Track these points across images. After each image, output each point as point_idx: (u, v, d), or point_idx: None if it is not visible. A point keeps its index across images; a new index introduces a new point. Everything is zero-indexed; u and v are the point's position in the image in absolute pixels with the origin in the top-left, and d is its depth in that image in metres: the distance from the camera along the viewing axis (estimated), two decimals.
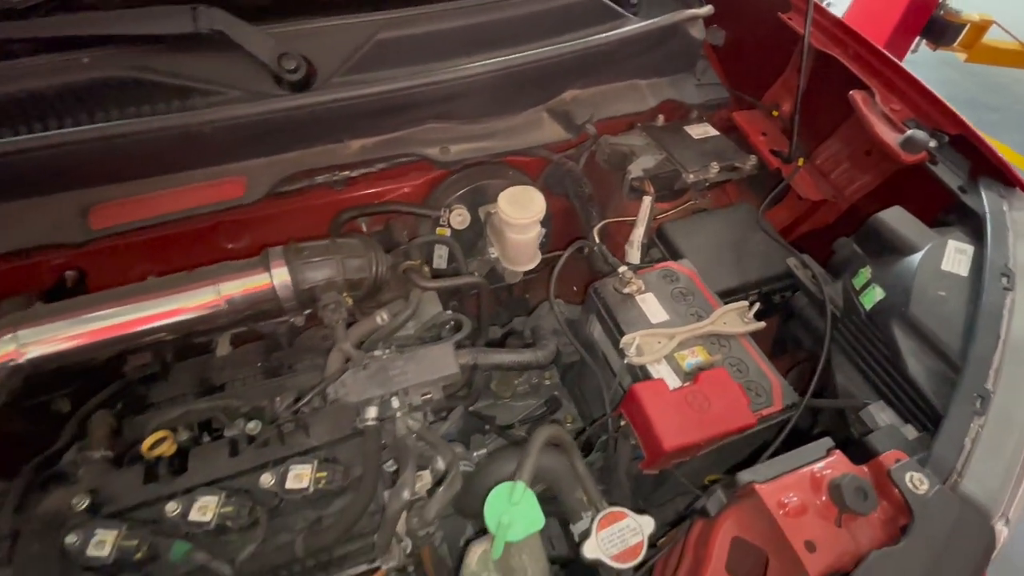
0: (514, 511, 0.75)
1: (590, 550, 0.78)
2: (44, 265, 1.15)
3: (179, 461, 1.01)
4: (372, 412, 0.92)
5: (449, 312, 1.20)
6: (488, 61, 1.11)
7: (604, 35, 1.20)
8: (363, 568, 0.91)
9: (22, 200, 0.99)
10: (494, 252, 1.32)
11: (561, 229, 1.54)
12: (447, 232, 1.30)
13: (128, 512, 0.92)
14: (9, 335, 0.87)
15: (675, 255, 1.30)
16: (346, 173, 1.16)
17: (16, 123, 0.94)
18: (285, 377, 1.17)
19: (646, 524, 0.81)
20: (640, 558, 0.78)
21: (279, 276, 0.95)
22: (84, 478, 0.96)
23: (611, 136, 1.39)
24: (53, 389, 1.11)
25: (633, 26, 1.23)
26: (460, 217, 1.34)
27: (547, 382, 1.36)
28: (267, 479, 0.93)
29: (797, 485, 0.69)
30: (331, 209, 1.25)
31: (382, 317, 1.12)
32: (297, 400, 1.00)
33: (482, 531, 0.93)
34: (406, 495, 0.82)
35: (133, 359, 1.12)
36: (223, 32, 0.97)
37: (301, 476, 0.92)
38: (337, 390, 0.92)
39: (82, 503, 0.89)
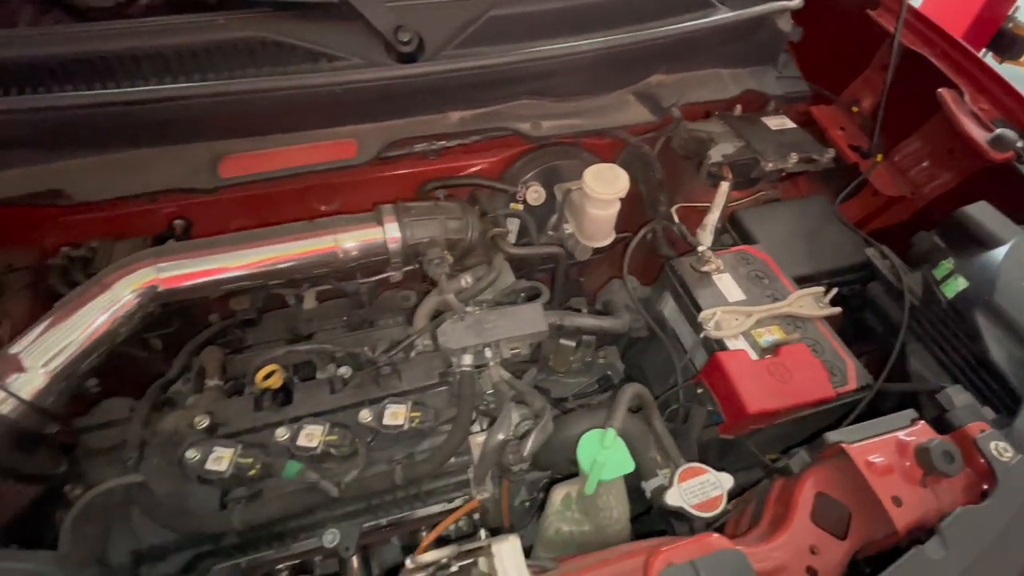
0: (606, 454, 0.82)
1: (672, 498, 0.85)
2: (159, 212, 1.26)
3: (282, 395, 1.11)
4: (468, 359, 1.00)
5: (525, 281, 1.28)
6: (585, 42, 1.17)
7: (697, 22, 1.24)
8: (457, 500, 0.99)
9: (160, 147, 1.09)
10: (568, 228, 1.38)
11: (624, 214, 1.60)
12: (520, 208, 1.37)
13: (240, 435, 1.02)
14: (151, 266, 0.97)
15: (747, 241, 1.34)
16: (442, 143, 1.24)
17: (160, 75, 1.04)
18: (368, 331, 1.26)
19: (725, 480, 0.87)
20: (720, 509, 0.84)
21: (391, 231, 1.04)
22: (200, 403, 1.07)
23: (689, 122, 1.43)
24: (154, 328, 1.20)
25: (725, 15, 1.26)
26: (536, 194, 1.40)
27: (601, 361, 1.41)
28: (365, 415, 1.02)
29: (883, 447, 0.73)
30: (412, 179, 1.33)
31: (466, 280, 1.20)
32: (393, 347, 1.09)
33: (561, 478, 1.01)
34: (501, 436, 0.89)
35: (234, 303, 1.23)
36: (348, 2, 1.05)
37: (397, 414, 1.01)
38: (439, 336, 0.99)
39: (203, 423, 1.00)
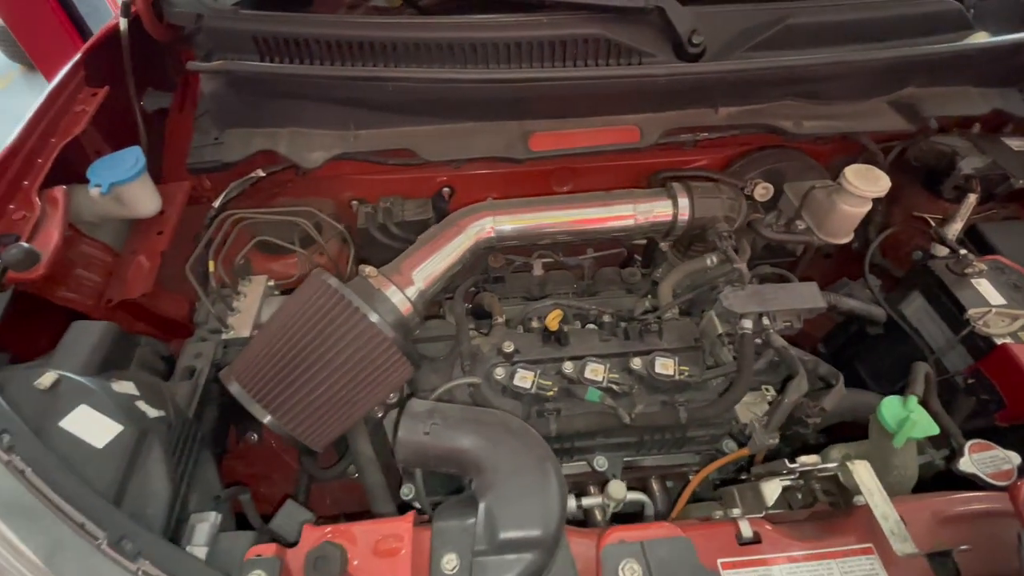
0: (914, 415, 0.91)
1: (965, 465, 0.92)
2: (433, 179, 1.50)
3: (558, 338, 1.28)
4: (747, 324, 1.12)
5: (769, 267, 1.39)
6: (855, 52, 1.27)
7: (961, 44, 1.31)
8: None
9: (484, 122, 1.32)
10: (802, 225, 1.47)
11: None
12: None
13: (530, 363, 1.20)
14: (491, 216, 1.18)
15: (985, 253, 1.36)
16: (704, 135, 1.38)
17: (492, 62, 1.26)
18: (594, 298, 1.42)
19: (1014, 457, 0.93)
20: (1012, 479, 0.90)
21: (683, 205, 1.19)
22: (495, 333, 1.27)
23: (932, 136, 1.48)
24: None
25: (993, 39, 1.32)
26: (764, 190, 1.50)
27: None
28: (637, 363, 1.17)
29: None
30: (633, 170, 1.48)
31: (711, 260, 1.33)
32: (650, 311, 1.24)
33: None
34: (794, 396, 1.01)
35: (492, 260, 1.43)
36: (662, 8, 1.22)
37: (667, 365, 1.15)
38: (723, 301, 1.12)
39: (509, 347, 1.19)
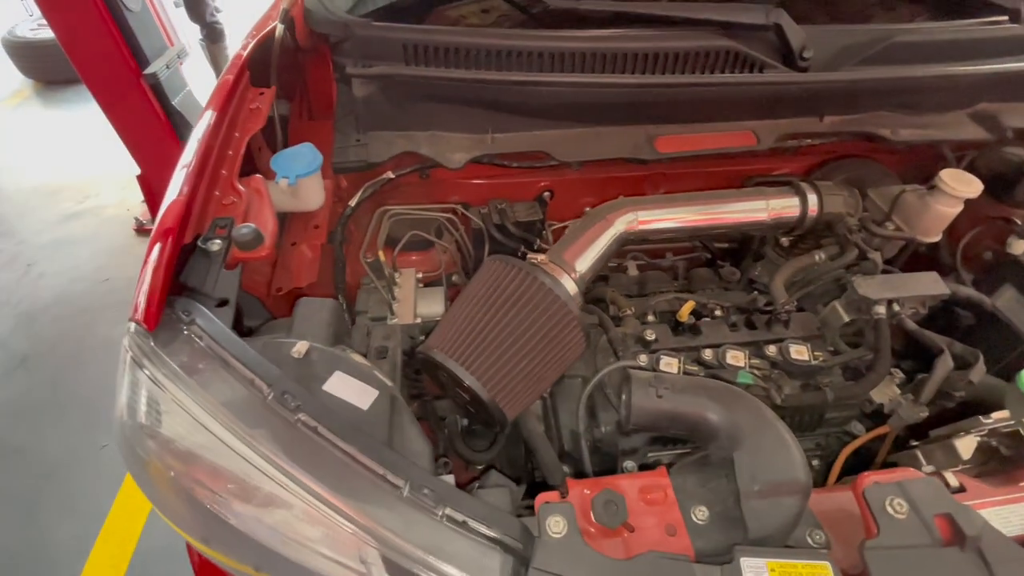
0: None
1: None
2: (535, 184, 1.59)
3: (688, 329, 1.35)
4: (880, 310, 1.21)
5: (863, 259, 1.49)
6: (943, 69, 1.41)
7: None
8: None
9: (612, 126, 1.41)
10: (891, 226, 1.59)
11: None
12: None
13: (671, 351, 1.27)
14: (633, 211, 1.26)
15: None
16: (808, 141, 1.50)
17: (623, 69, 1.36)
18: (704, 294, 1.50)
19: None
20: None
21: (813, 202, 1.29)
22: (627, 323, 1.34)
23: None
24: None
25: None
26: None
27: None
28: (772, 349, 1.25)
29: None
30: (718, 176, 1.58)
31: (819, 256, 1.43)
32: (774, 303, 1.33)
33: None
34: (942, 371, 1.09)
35: None
36: (780, 25, 1.34)
37: (801, 351, 1.23)
38: (859, 287, 1.21)
39: (651, 335, 1.26)
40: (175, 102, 3.25)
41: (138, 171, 3.64)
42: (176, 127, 3.31)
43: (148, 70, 3.04)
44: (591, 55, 1.29)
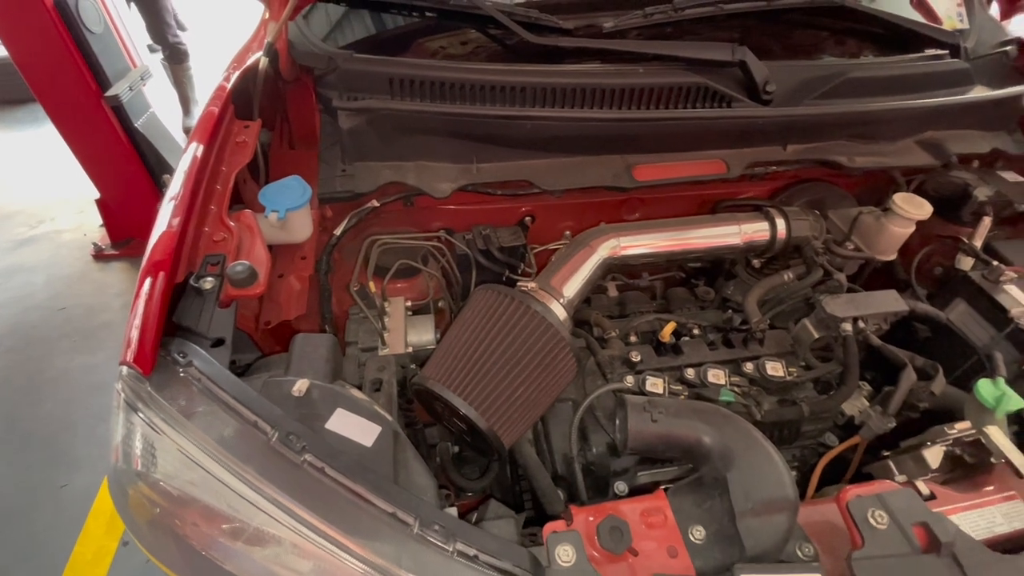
0: (1007, 392, 1.08)
1: None
2: (517, 209, 1.63)
3: (670, 348, 1.40)
4: (847, 327, 1.29)
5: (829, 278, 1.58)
6: (896, 103, 1.53)
7: (975, 96, 1.60)
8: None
9: (592, 155, 1.47)
10: (850, 245, 1.69)
11: None
12: None
13: (655, 371, 1.32)
14: (615, 237, 1.31)
15: None
16: (773, 168, 1.59)
17: (603, 103, 1.42)
18: (680, 313, 1.57)
19: None
20: None
21: (781, 226, 1.37)
22: (615, 345, 1.38)
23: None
24: None
25: (991, 93, 1.62)
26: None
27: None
28: (749, 367, 1.31)
29: None
30: (690, 200, 1.67)
31: (788, 276, 1.51)
32: (745, 322, 1.39)
33: None
34: (907, 383, 1.17)
35: None
36: (745, 62, 1.43)
37: (776, 368, 1.30)
38: (826, 306, 1.29)
39: (637, 356, 1.30)
40: (138, 124, 3.17)
41: (97, 195, 3.52)
42: (139, 150, 3.23)
43: (110, 92, 2.96)
44: (571, 90, 1.35)
